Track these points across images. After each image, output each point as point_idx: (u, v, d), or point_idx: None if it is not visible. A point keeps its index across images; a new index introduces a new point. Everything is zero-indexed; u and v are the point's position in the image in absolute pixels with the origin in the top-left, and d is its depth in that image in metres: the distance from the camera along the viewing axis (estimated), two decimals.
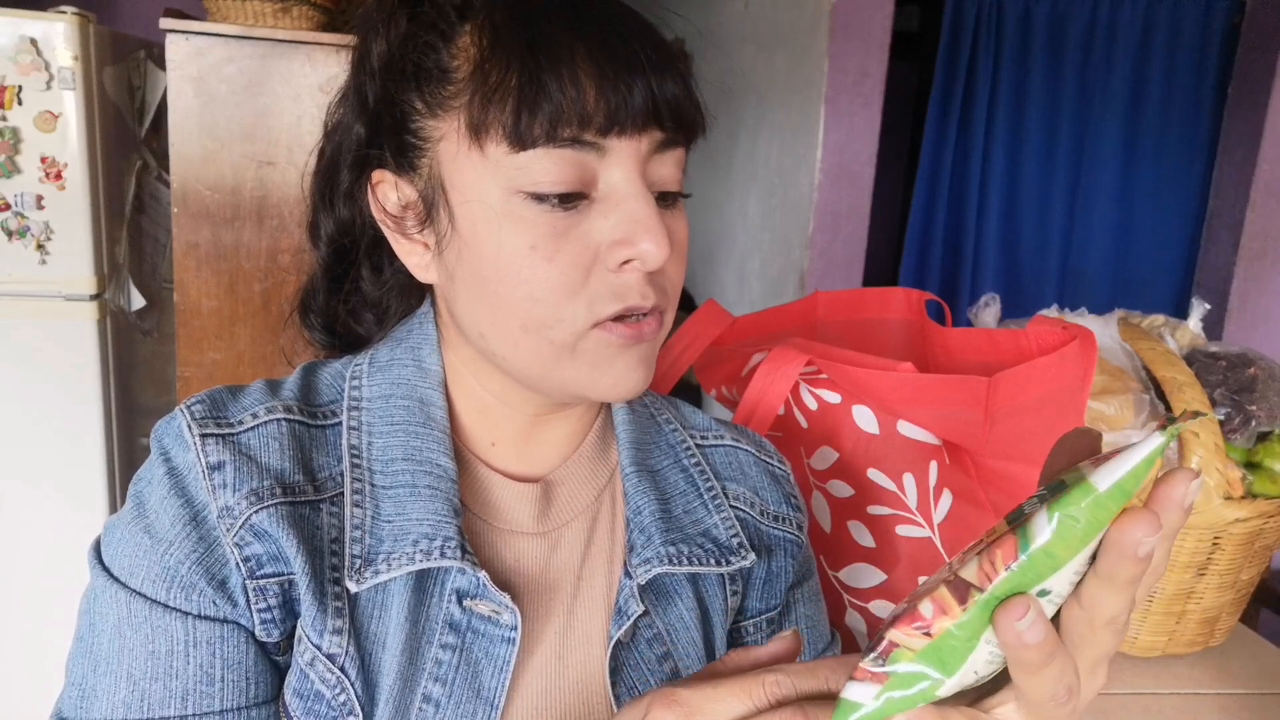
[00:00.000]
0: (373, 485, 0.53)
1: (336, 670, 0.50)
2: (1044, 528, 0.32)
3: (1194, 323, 1.11)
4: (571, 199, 0.49)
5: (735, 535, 0.60)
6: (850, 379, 0.74)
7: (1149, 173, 2.58)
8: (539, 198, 0.49)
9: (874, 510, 0.77)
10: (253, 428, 0.53)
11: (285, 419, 0.54)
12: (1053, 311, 1.11)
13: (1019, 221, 2.66)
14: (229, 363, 1.87)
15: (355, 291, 0.60)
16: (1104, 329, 1.04)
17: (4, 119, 1.88)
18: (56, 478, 2.04)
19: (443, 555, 0.51)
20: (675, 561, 0.57)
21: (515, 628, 0.53)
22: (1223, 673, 1.02)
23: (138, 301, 2.09)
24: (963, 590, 0.33)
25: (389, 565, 0.51)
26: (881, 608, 0.77)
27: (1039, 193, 2.63)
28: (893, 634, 0.34)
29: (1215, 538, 0.96)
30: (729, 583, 0.61)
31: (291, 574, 0.50)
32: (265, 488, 0.51)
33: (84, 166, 1.93)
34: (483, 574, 0.52)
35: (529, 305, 0.50)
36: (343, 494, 0.53)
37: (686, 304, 3.72)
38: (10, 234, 1.93)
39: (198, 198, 1.80)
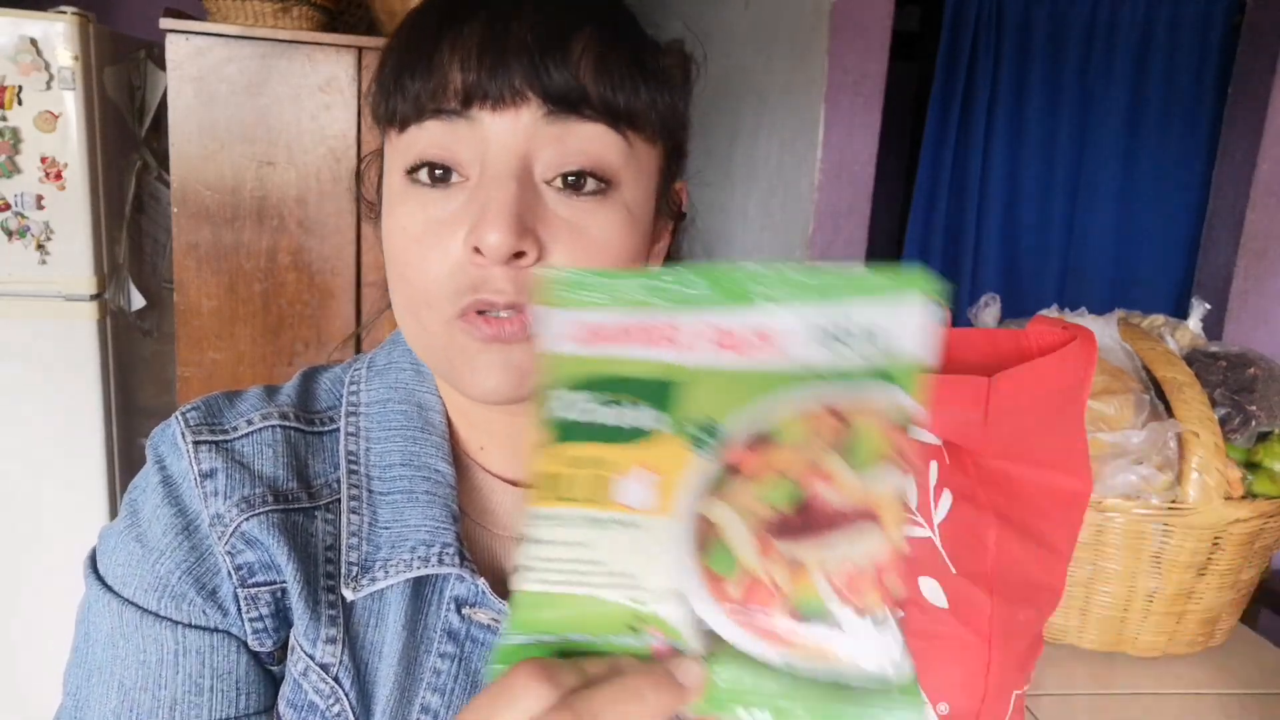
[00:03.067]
0: (370, 491, 0.52)
1: (330, 680, 0.49)
2: None
3: (1194, 323, 1.11)
4: (444, 177, 0.47)
5: None
6: None
7: (1149, 173, 2.58)
8: (413, 177, 0.48)
9: None
10: (247, 434, 0.52)
11: (281, 426, 0.53)
12: (1053, 311, 1.11)
13: (1019, 221, 2.66)
14: (229, 363, 1.87)
15: None
16: (1104, 329, 1.04)
17: (4, 119, 1.88)
18: (56, 478, 2.04)
19: (440, 562, 0.50)
20: None
21: None
22: (1223, 673, 1.02)
23: (138, 301, 2.09)
24: None
25: (386, 572, 0.50)
26: None
27: (1039, 193, 2.63)
28: None
29: (1215, 538, 0.96)
30: None
31: (284, 582, 0.50)
32: (257, 495, 0.50)
33: (84, 166, 1.93)
34: (481, 581, 0.51)
35: (403, 285, 0.49)
36: (339, 501, 0.52)
37: None
38: (10, 234, 1.93)
39: (198, 198, 1.80)
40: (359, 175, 0.59)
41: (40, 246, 1.94)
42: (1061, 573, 0.78)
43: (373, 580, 0.50)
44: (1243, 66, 2.41)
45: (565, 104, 0.46)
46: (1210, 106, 2.51)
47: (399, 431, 0.54)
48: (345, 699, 0.49)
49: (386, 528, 0.51)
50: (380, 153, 0.53)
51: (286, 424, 0.54)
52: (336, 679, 0.49)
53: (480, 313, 0.47)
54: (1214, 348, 1.07)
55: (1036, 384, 0.73)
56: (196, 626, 0.49)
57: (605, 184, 0.48)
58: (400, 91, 0.47)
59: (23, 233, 1.93)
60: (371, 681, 0.50)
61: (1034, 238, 2.65)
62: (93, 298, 1.99)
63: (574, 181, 0.47)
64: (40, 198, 1.92)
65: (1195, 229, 2.56)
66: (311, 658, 0.49)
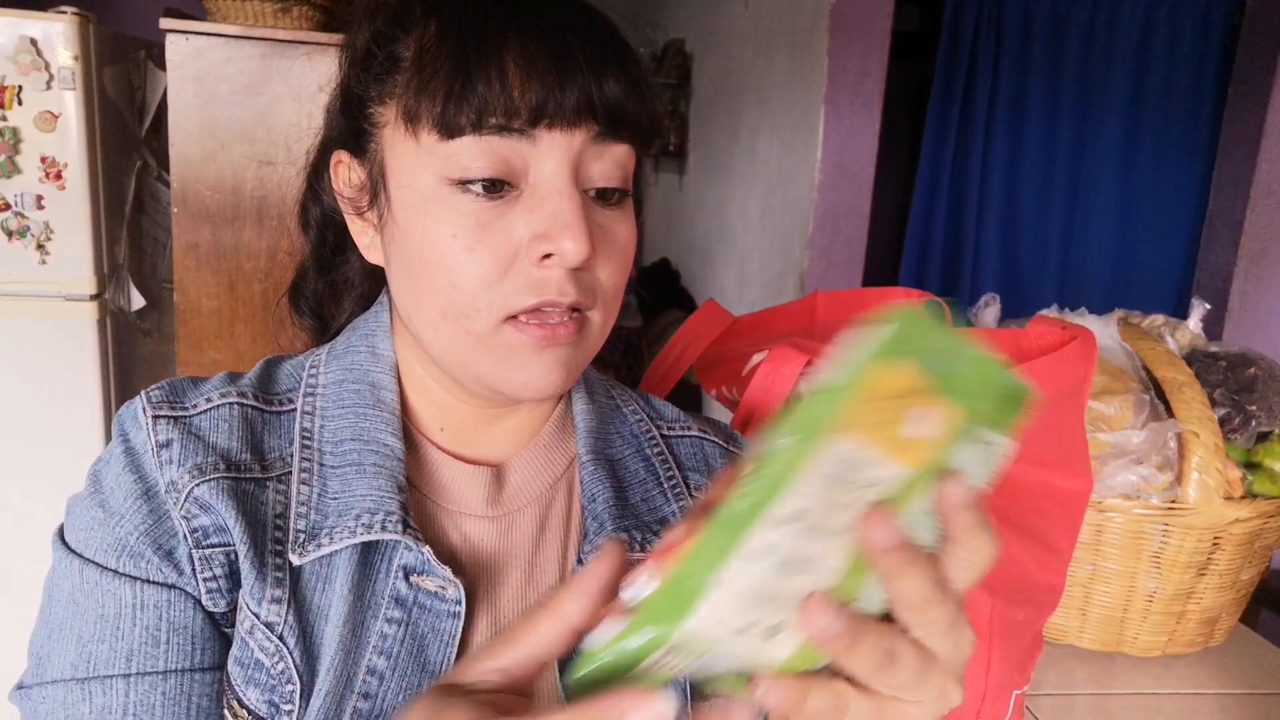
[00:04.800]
0: (321, 465, 0.55)
1: (275, 639, 0.51)
2: (772, 442, 0.30)
3: (1194, 323, 1.11)
4: (497, 188, 0.49)
5: None
6: None
7: (1149, 172, 2.58)
8: (465, 186, 0.49)
9: None
10: (205, 411, 0.56)
11: (239, 403, 0.56)
12: (1053, 311, 1.11)
13: (1019, 221, 2.66)
14: (229, 363, 1.87)
15: (340, 274, 0.64)
16: (1104, 329, 1.04)
17: (4, 119, 1.88)
18: (56, 478, 2.04)
19: (384, 529, 0.52)
20: (628, 548, 0.56)
21: (460, 602, 0.53)
22: (1223, 673, 1.02)
23: (138, 301, 2.09)
24: (702, 513, 0.30)
25: (331, 538, 0.52)
26: None
27: (1039, 193, 2.63)
28: (645, 566, 0.31)
29: (1215, 538, 0.96)
30: None
31: (235, 545, 0.52)
32: (209, 463, 0.53)
33: (84, 166, 1.93)
34: (426, 549, 0.52)
35: (448, 292, 0.50)
36: (290, 473, 0.55)
37: (686, 304, 3.72)
38: (10, 234, 1.93)
39: (198, 198, 1.80)
40: (315, 168, 0.61)
41: (40, 246, 1.94)
42: (1062, 572, 0.78)
43: (318, 546, 0.52)
44: (1243, 66, 2.42)
45: (613, 127, 0.51)
46: (1210, 106, 2.51)
47: (351, 409, 0.57)
48: (290, 656, 0.51)
49: (335, 498, 0.54)
50: (350, 147, 0.56)
51: (244, 402, 0.57)
52: (281, 637, 0.51)
53: (533, 317, 0.51)
54: (1214, 348, 1.07)
55: (1037, 384, 0.73)
56: (154, 582, 0.51)
57: (624, 194, 0.54)
58: (455, 100, 0.48)
59: (23, 233, 1.93)
60: (317, 643, 0.52)
61: (1034, 238, 2.65)
62: (93, 298, 1.99)
63: (603, 192, 0.52)
64: (40, 198, 1.92)
65: (1195, 229, 2.56)
66: (257, 616, 0.51)
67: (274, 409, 0.58)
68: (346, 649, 0.51)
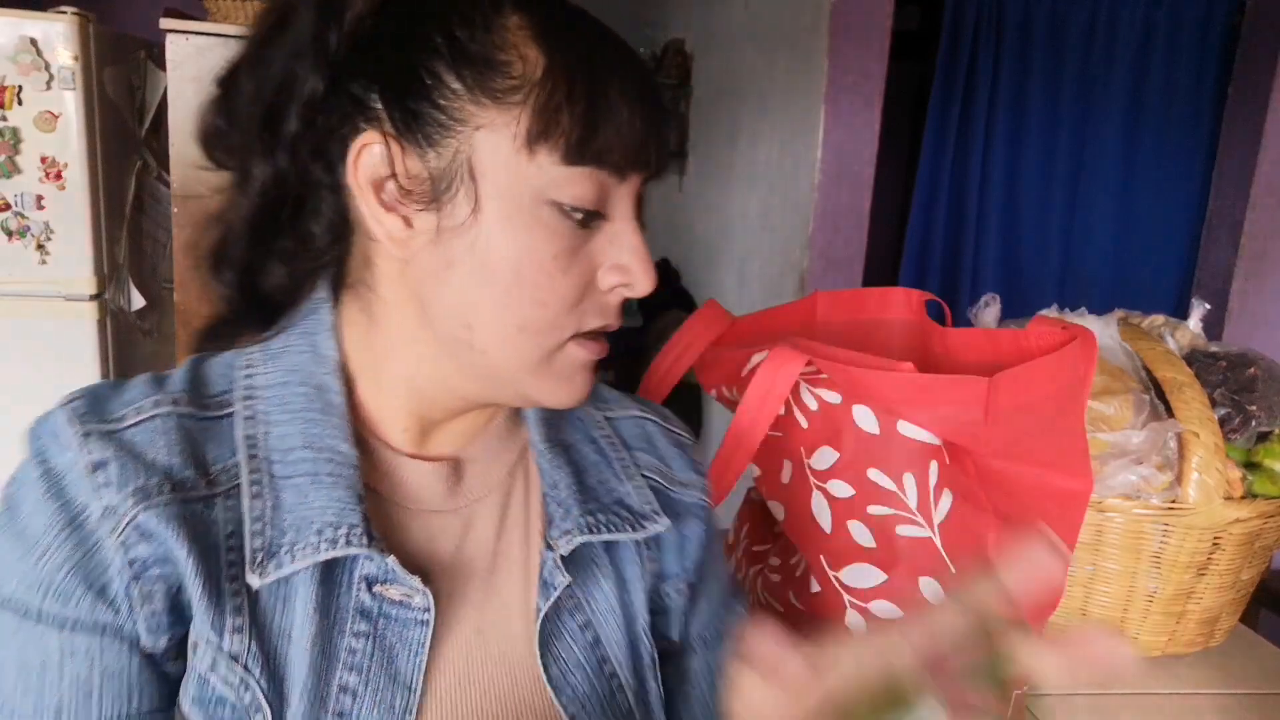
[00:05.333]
0: (272, 475, 0.52)
1: (240, 669, 0.49)
2: None
3: (1194, 323, 1.11)
4: (591, 219, 0.52)
5: (649, 502, 0.62)
6: (850, 379, 0.75)
7: (1149, 172, 2.58)
8: (566, 212, 0.51)
9: (874, 510, 0.77)
10: (137, 423, 0.51)
11: (173, 412, 0.52)
12: (1053, 311, 1.11)
13: (1019, 221, 2.66)
14: None
15: (275, 251, 0.56)
16: (1104, 329, 1.04)
17: (4, 119, 1.88)
18: None
19: (348, 543, 0.50)
20: (594, 530, 0.58)
21: (428, 609, 0.53)
22: (1223, 673, 1.02)
23: (138, 301, 2.09)
24: None
25: (293, 556, 0.49)
26: (881, 608, 0.77)
27: (1039, 192, 2.63)
28: None
29: (1215, 538, 0.96)
30: (645, 549, 0.61)
31: (179, 577, 0.48)
32: (153, 485, 0.48)
33: (84, 166, 1.93)
34: (391, 559, 0.51)
35: (535, 309, 0.52)
36: (239, 486, 0.51)
37: (686, 304, 3.72)
38: (10, 234, 1.93)
39: (197, 198, 1.80)
40: (288, 126, 0.53)
41: (40, 246, 1.94)
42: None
43: (279, 566, 0.49)
44: (1243, 66, 2.42)
45: (661, 170, 0.55)
46: (1210, 106, 2.51)
47: (299, 414, 0.54)
48: (256, 685, 0.49)
49: (290, 511, 0.51)
50: (397, 132, 0.51)
51: (178, 410, 0.52)
52: (246, 667, 0.48)
53: (590, 336, 0.55)
54: (1214, 348, 1.07)
55: (1037, 384, 0.73)
56: (83, 627, 0.47)
57: None
58: (589, 131, 0.50)
59: (23, 233, 1.93)
60: (283, 666, 0.50)
61: (1034, 238, 2.65)
62: (93, 298, 1.99)
63: None
64: (40, 198, 1.92)
65: (1195, 229, 2.56)
66: (220, 649, 0.48)
67: (210, 414, 0.53)
68: (316, 669, 0.50)
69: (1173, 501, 0.94)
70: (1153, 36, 2.51)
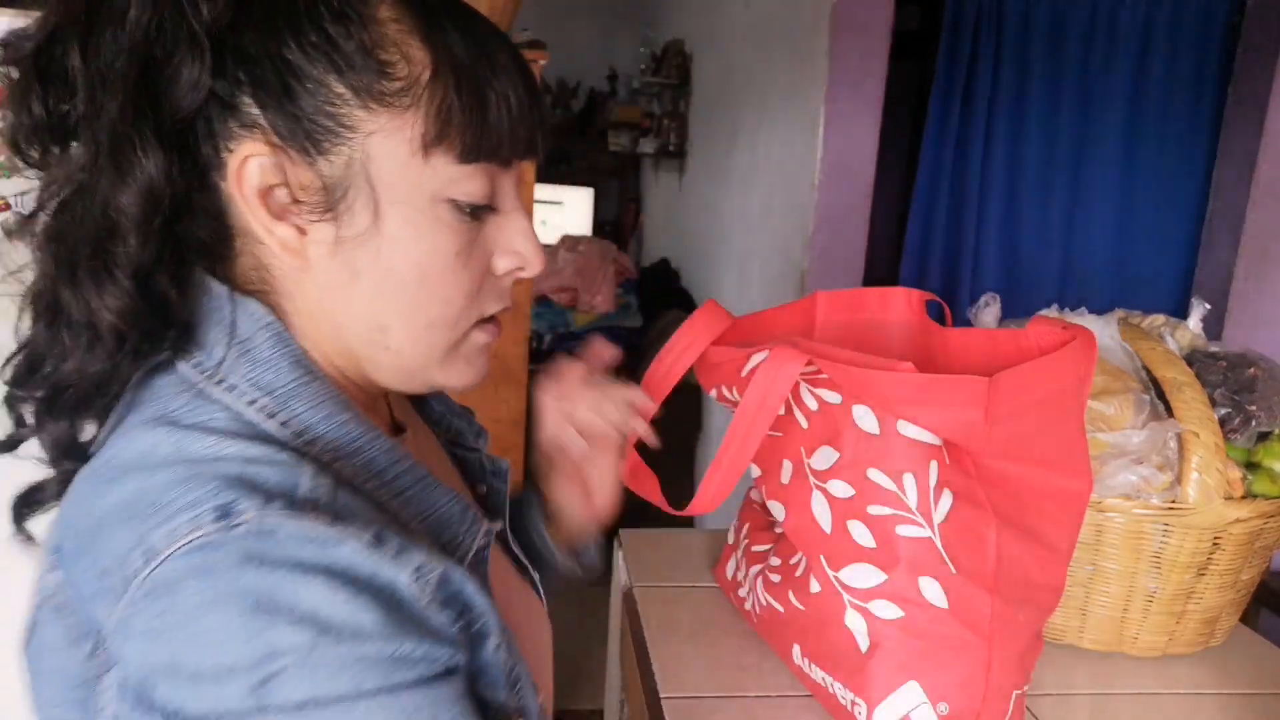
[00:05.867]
0: (393, 498, 0.52)
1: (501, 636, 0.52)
2: None
3: (1194, 323, 1.11)
4: (481, 211, 0.54)
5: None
6: (850, 379, 0.75)
7: (1149, 172, 2.58)
8: (462, 209, 0.53)
9: (874, 510, 0.76)
10: (331, 498, 0.46)
11: (317, 473, 0.47)
12: (1053, 311, 1.11)
13: (1019, 221, 2.66)
14: None
15: (162, 255, 0.49)
16: (1104, 329, 1.04)
17: (4, 119, 1.88)
18: None
19: (479, 519, 0.57)
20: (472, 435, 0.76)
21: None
22: (1223, 673, 1.02)
23: None
24: None
25: (470, 544, 0.56)
26: (881, 608, 0.77)
27: (1039, 192, 2.63)
28: None
29: (1215, 538, 0.96)
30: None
31: (461, 591, 0.49)
32: (406, 530, 0.48)
33: None
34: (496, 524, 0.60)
35: (441, 306, 0.54)
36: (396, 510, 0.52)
37: (686, 304, 3.73)
38: (10, 234, 1.92)
39: None
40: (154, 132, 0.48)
41: None
42: (1061, 572, 0.78)
43: (464, 557, 0.55)
44: (1243, 66, 2.42)
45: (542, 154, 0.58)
46: (1210, 106, 2.51)
47: (363, 441, 0.53)
48: (506, 645, 0.52)
49: (425, 517, 0.54)
50: (283, 141, 0.49)
51: (316, 468, 0.47)
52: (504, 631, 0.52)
53: (488, 319, 0.58)
54: (1214, 348, 1.07)
55: (1037, 384, 0.73)
56: (448, 677, 0.47)
57: None
58: (479, 130, 0.52)
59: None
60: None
61: (1034, 238, 2.65)
62: None
63: None
64: None
65: (1195, 229, 2.56)
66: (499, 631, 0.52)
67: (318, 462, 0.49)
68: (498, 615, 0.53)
69: (1173, 501, 0.94)
70: (1153, 36, 2.51)
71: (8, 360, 0.51)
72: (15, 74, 0.48)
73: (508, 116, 0.52)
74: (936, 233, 2.68)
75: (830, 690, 0.83)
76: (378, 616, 0.42)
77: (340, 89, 0.49)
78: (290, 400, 0.50)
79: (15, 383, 0.51)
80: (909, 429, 0.75)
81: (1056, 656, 1.02)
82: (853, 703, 0.80)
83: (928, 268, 2.71)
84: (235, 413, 0.48)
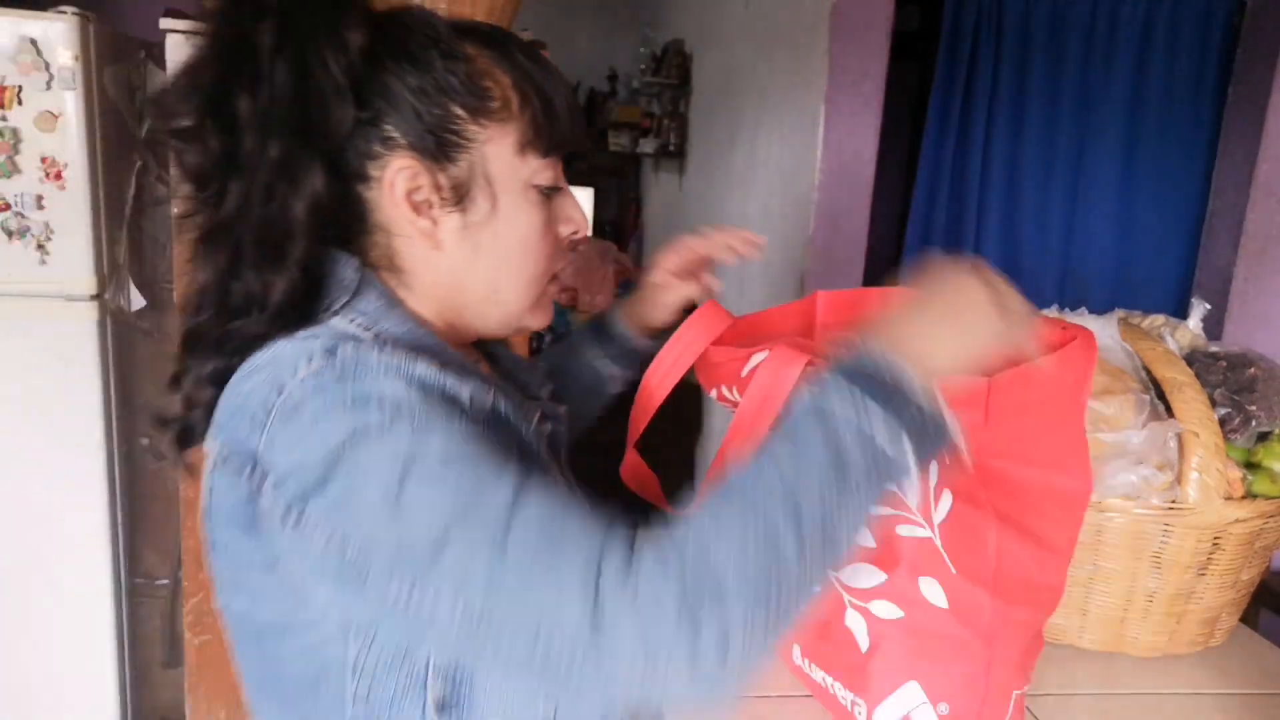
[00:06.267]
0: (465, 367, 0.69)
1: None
2: None
3: (1194, 323, 1.11)
4: (551, 191, 0.72)
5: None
6: None
7: (1149, 172, 2.58)
8: (543, 191, 0.70)
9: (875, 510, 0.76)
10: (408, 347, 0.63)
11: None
12: (1053, 311, 1.11)
13: (1019, 221, 2.65)
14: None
15: (318, 246, 0.64)
16: (1104, 329, 1.04)
17: (4, 119, 1.88)
18: (56, 478, 2.04)
19: (531, 411, 0.71)
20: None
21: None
22: (1223, 673, 1.02)
23: (138, 301, 2.09)
24: None
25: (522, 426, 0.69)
26: (881, 608, 0.77)
27: (1039, 193, 2.63)
28: None
29: (1215, 538, 0.96)
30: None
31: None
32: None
33: (84, 166, 1.93)
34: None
35: (536, 266, 0.72)
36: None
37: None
38: (10, 234, 1.93)
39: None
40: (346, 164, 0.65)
41: (40, 246, 1.94)
42: (1062, 572, 0.78)
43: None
44: (1243, 66, 2.41)
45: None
46: (1210, 106, 2.51)
47: (439, 346, 0.68)
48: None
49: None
50: (422, 154, 0.65)
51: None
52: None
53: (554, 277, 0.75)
54: (1214, 348, 1.07)
55: (1037, 385, 0.73)
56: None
57: None
58: (558, 134, 0.70)
59: (23, 233, 1.93)
60: None
61: (1034, 238, 2.65)
62: (93, 298, 1.99)
63: None
64: (40, 198, 1.92)
65: (1195, 229, 2.56)
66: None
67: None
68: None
69: (1173, 501, 0.94)
70: (1153, 36, 2.51)
71: (186, 322, 0.66)
72: (183, 121, 0.61)
73: (568, 119, 0.70)
74: (936, 233, 2.68)
75: (830, 690, 0.83)
76: (445, 410, 0.57)
77: (457, 111, 0.65)
78: (380, 319, 0.64)
79: (189, 339, 0.66)
80: None
81: (1056, 656, 1.02)
82: (853, 703, 0.80)
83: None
84: (339, 329, 0.62)
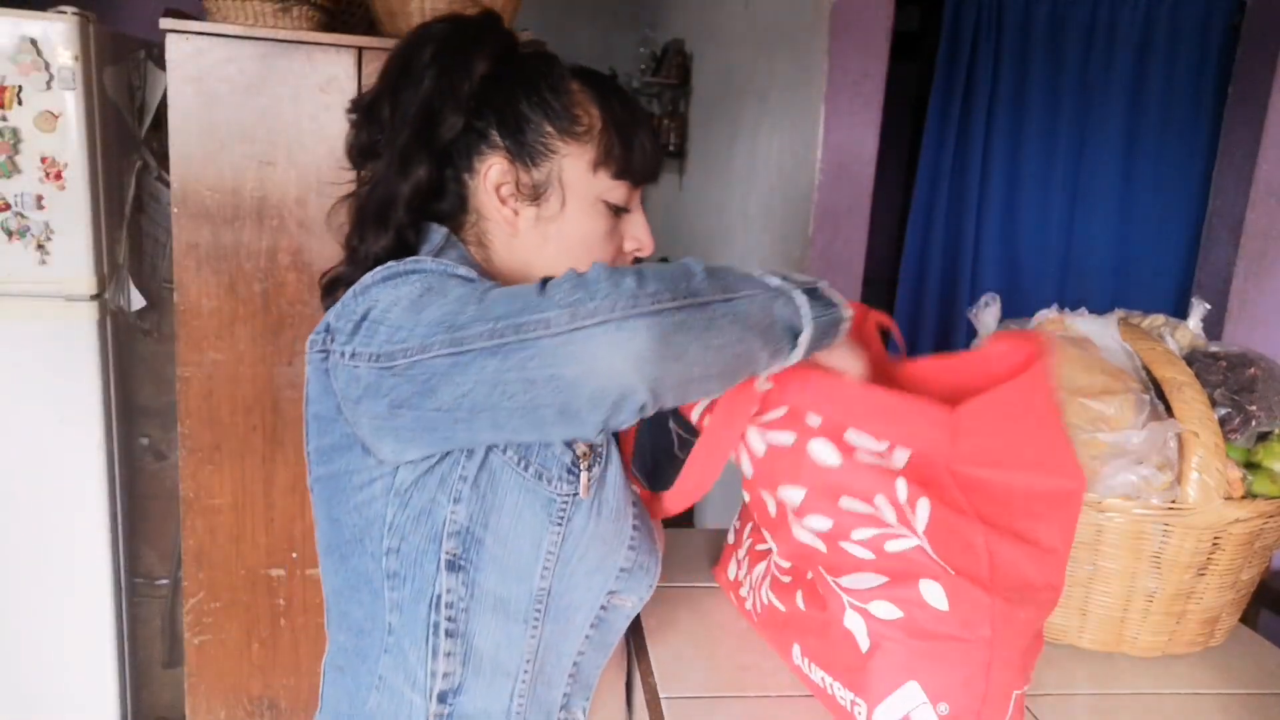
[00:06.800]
0: None
1: None
2: None
3: (1194, 323, 1.11)
4: (620, 210, 0.86)
5: None
6: (812, 398, 0.77)
7: (1149, 172, 2.58)
8: (610, 206, 0.84)
9: (858, 534, 0.76)
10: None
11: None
12: (1053, 311, 1.11)
13: (1019, 221, 2.65)
14: (229, 363, 1.87)
15: (414, 210, 0.82)
16: (1104, 329, 1.04)
17: (4, 119, 1.88)
18: (56, 477, 2.04)
19: None
20: None
21: None
22: (1223, 673, 1.02)
23: (138, 301, 2.09)
24: None
25: None
26: (881, 608, 0.77)
27: (1039, 193, 2.63)
28: None
29: (1215, 538, 0.96)
30: None
31: None
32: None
33: (84, 166, 1.93)
34: None
35: (589, 260, 0.80)
36: None
37: None
38: (10, 234, 1.93)
39: (198, 198, 1.80)
40: (452, 149, 0.83)
41: (40, 246, 1.94)
42: (1060, 571, 0.78)
43: None
44: (1243, 67, 2.41)
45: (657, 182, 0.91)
46: (1210, 106, 2.51)
47: None
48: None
49: None
50: (511, 155, 0.82)
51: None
52: None
53: None
54: (1214, 348, 1.07)
55: (1003, 410, 0.74)
56: None
57: None
58: (632, 162, 0.84)
59: (23, 233, 1.93)
60: None
61: (1034, 238, 2.65)
62: (93, 298, 1.99)
63: None
64: (40, 198, 1.92)
65: (1195, 229, 2.56)
66: None
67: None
68: None
69: (1173, 501, 0.94)
70: (1153, 37, 2.51)
71: (325, 274, 0.85)
72: (354, 117, 0.85)
73: (642, 156, 0.84)
74: (936, 233, 2.68)
75: (830, 690, 0.83)
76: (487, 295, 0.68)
77: (549, 129, 0.82)
78: (447, 252, 0.81)
79: (329, 284, 0.84)
80: (868, 457, 0.76)
81: (1056, 656, 1.02)
82: (853, 703, 0.80)
83: (928, 268, 2.71)
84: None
